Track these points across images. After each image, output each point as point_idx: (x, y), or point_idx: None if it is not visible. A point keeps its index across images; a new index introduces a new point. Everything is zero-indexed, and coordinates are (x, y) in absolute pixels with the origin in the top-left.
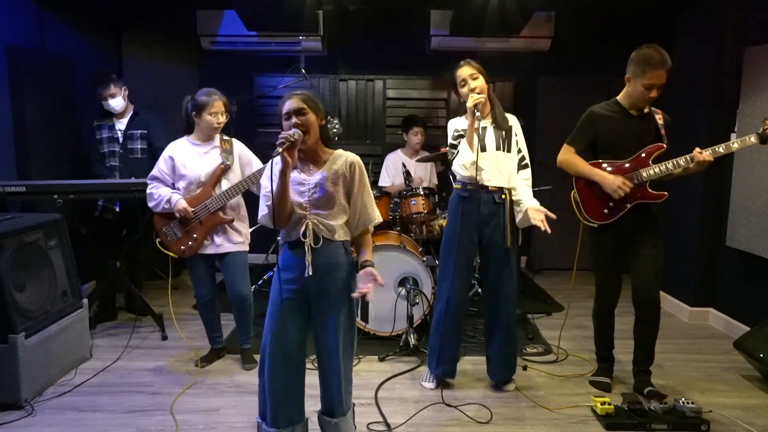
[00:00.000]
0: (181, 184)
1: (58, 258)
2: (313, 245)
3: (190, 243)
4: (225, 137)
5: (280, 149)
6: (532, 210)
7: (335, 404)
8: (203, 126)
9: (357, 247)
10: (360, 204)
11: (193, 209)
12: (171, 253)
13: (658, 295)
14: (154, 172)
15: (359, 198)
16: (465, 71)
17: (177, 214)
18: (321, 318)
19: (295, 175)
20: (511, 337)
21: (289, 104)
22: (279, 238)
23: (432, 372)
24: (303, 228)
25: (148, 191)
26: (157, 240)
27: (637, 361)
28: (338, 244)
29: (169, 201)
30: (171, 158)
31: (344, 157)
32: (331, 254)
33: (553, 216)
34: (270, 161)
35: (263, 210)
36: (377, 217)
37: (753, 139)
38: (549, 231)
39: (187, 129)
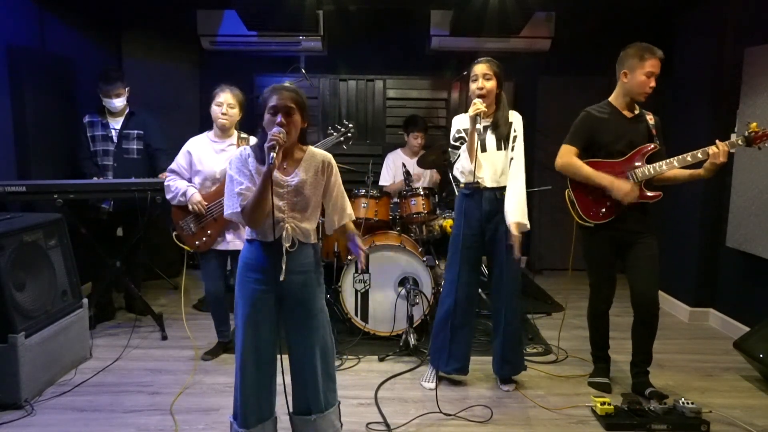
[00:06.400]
0: (196, 180)
1: (58, 258)
2: (289, 249)
3: (204, 238)
4: (243, 135)
5: (274, 153)
6: (513, 226)
7: (311, 401)
8: (212, 118)
9: (342, 237)
10: (338, 201)
11: (207, 205)
12: (186, 247)
13: (657, 296)
14: (173, 165)
15: (336, 195)
16: (480, 68)
17: (191, 208)
18: (293, 317)
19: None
20: (514, 331)
21: (278, 100)
22: (246, 235)
23: (443, 370)
24: (282, 231)
25: (165, 183)
26: (174, 233)
27: (636, 363)
28: (310, 246)
29: (184, 194)
30: (189, 153)
31: (320, 157)
32: (303, 256)
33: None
34: (266, 161)
35: (234, 207)
36: (353, 213)
37: (740, 141)
38: (518, 255)
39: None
